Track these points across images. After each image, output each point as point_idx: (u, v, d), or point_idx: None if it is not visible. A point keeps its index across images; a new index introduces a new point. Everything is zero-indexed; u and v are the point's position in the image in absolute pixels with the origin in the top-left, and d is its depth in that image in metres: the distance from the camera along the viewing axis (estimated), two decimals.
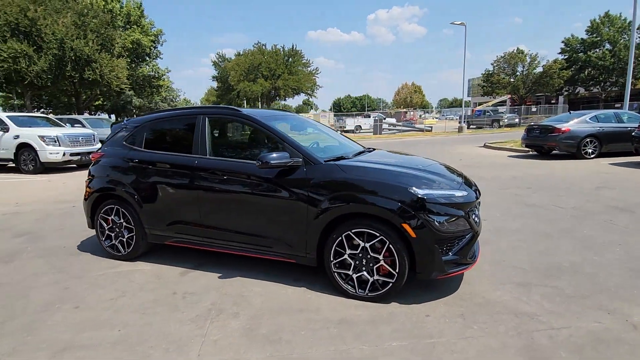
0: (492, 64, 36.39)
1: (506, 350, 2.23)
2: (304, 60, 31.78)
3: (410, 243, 2.69)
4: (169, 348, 2.35)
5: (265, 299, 2.97)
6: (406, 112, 48.08)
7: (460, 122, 28.79)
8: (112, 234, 3.86)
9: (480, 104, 54.15)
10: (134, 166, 3.68)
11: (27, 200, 7.12)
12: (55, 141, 11.19)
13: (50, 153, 10.94)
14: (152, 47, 24.54)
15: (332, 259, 2.92)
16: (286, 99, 36.24)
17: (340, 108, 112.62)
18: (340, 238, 2.86)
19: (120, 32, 20.98)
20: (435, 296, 2.93)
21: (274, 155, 2.92)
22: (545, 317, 2.58)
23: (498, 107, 42.40)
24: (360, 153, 3.68)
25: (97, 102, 38.74)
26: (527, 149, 12.38)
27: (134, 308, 2.87)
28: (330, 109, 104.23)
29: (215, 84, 38.82)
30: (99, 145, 13.02)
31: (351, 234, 2.83)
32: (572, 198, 6.00)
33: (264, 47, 32.02)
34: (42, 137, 11.08)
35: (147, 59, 25.40)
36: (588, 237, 4.15)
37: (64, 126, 13.04)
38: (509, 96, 39.26)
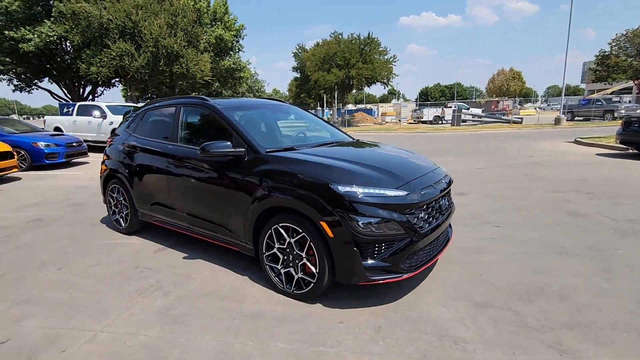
0: (609, 44, 30.26)
1: None
2: (381, 48, 30.79)
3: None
4: (93, 315, 2.62)
5: (204, 282, 3.09)
6: (498, 102, 43.33)
7: (559, 113, 24.86)
8: (117, 210, 4.38)
9: (598, 90, 45.95)
10: (128, 150, 4.11)
11: None
12: None
13: None
14: (234, 42, 26.57)
15: (264, 251, 2.89)
16: (362, 88, 35.68)
17: (428, 97, 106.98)
18: (270, 231, 2.81)
19: (206, 29, 23.12)
20: (369, 303, 2.69)
21: (215, 144, 2.97)
22: (474, 346, 2.18)
23: (621, 95, 35.40)
24: (328, 144, 3.51)
25: (193, 93, 43.61)
26: (623, 146, 10.18)
27: (98, 276, 3.25)
28: (416, 99, 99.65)
29: (295, 75, 40.31)
30: None
31: (279, 227, 2.75)
32: None
33: (340, 36, 31.95)
34: None
35: (231, 53, 27.55)
36: (615, 258, 3.31)
37: None
38: (636, 82, 32.38)
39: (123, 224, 4.32)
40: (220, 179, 3.14)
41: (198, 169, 3.34)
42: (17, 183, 7.99)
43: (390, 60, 31.13)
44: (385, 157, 3.24)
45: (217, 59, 26.11)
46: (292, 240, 2.69)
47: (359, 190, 2.50)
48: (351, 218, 2.43)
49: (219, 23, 25.46)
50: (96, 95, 26.97)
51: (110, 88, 30.20)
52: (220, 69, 26.77)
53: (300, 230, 2.62)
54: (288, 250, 2.74)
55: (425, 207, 2.69)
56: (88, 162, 10.98)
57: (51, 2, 19.48)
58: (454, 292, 2.82)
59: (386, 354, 2.12)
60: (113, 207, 4.42)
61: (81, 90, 26.01)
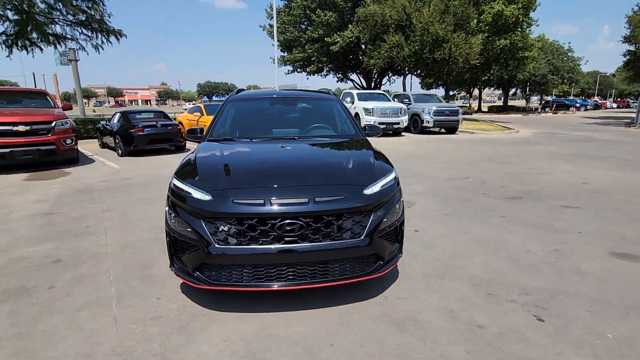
0: None
1: None
2: None
3: None
4: (105, 230, 4.04)
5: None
6: None
7: None
8: None
9: None
10: None
11: None
12: (370, 112, 14.80)
13: (366, 121, 14.59)
14: (519, 16, 22.29)
15: None
16: None
17: None
18: None
19: (484, 8, 20.97)
20: (233, 308, 2.54)
21: (193, 128, 3.63)
22: None
23: None
24: (277, 139, 3.37)
25: (484, 78, 41.02)
26: None
27: (148, 215, 4.67)
28: None
29: (628, 47, 28.90)
30: (406, 117, 15.40)
31: None
32: None
33: None
34: (365, 109, 15.07)
35: (517, 30, 23.43)
36: None
37: (390, 101, 16.38)
38: None
39: None
40: None
41: None
42: None
43: None
44: (274, 160, 2.78)
45: (495, 38, 23.29)
46: None
47: (178, 185, 2.52)
48: (170, 209, 2.51)
49: None
50: (384, 83, 31.41)
51: (400, 76, 34.18)
52: (495, 49, 23.79)
53: None
54: None
55: (236, 221, 2.22)
56: None
57: (355, 10, 24.26)
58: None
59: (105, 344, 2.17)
60: None
61: (372, 79, 31.12)
